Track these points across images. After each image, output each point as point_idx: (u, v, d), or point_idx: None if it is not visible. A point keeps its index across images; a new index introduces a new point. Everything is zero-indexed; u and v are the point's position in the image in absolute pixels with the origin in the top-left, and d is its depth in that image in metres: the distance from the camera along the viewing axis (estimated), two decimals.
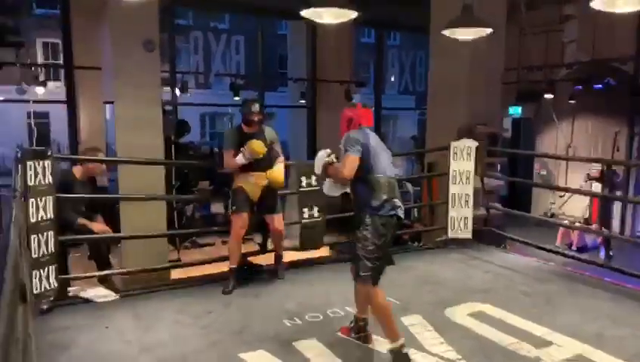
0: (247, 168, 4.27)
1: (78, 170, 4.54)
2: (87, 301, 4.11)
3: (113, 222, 4.93)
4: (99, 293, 4.19)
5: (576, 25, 9.57)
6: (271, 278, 4.67)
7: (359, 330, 3.42)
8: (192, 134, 14.35)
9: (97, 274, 4.42)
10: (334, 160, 3.20)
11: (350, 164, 3.08)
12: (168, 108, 8.96)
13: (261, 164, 4.29)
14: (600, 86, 8.69)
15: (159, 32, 5.39)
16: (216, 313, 3.94)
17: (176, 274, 5.17)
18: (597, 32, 8.70)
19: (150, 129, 4.87)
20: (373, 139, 3.20)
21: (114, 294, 4.23)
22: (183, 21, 16.33)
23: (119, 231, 4.87)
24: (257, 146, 4.16)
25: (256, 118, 4.25)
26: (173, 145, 6.93)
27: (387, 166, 3.16)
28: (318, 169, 3.26)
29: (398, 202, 3.08)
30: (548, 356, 3.23)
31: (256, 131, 4.29)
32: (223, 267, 4.60)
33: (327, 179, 3.27)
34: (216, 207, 9.19)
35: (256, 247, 5.13)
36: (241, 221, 4.29)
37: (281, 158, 4.49)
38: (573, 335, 3.51)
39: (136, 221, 4.72)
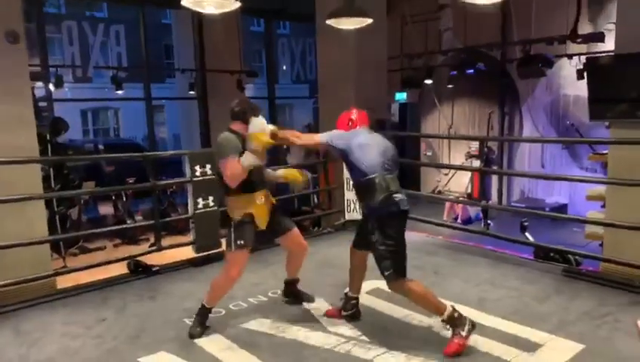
0: (250, 187, 3.38)
1: None
2: None
3: None
4: None
5: (451, 14, 10.27)
6: (166, 279, 4.51)
7: (351, 308, 3.58)
8: (74, 132, 13.30)
9: None
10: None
11: (313, 139, 3.45)
12: (42, 104, 8.22)
13: (262, 176, 3.51)
14: (472, 71, 9.40)
15: (25, 21, 4.89)
16: (110, 320, 3.73)
17: (63, 282, 4.78)
18: (468, 20, 9.43)
19: (20, 128, 4.40)
20: (362, 138, 3.23)
21: None
22: (52, 9, 14.94)
23: None
24: (261, 134, 3.28)
25: None
26: (49, 145, 6.37)
27: (378, 162, 3.11)
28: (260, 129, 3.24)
29: (397, 196, 3.08)
30: (438, 323, 3.48)
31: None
32: (113, 271, 4.34)
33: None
34: (105, 209, 8.67)
35: (149, 247, 4.93)
36: (245, 259, 3.42)
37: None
38: (459, 301, 3.78)
39: (10, 229, 4.26)
